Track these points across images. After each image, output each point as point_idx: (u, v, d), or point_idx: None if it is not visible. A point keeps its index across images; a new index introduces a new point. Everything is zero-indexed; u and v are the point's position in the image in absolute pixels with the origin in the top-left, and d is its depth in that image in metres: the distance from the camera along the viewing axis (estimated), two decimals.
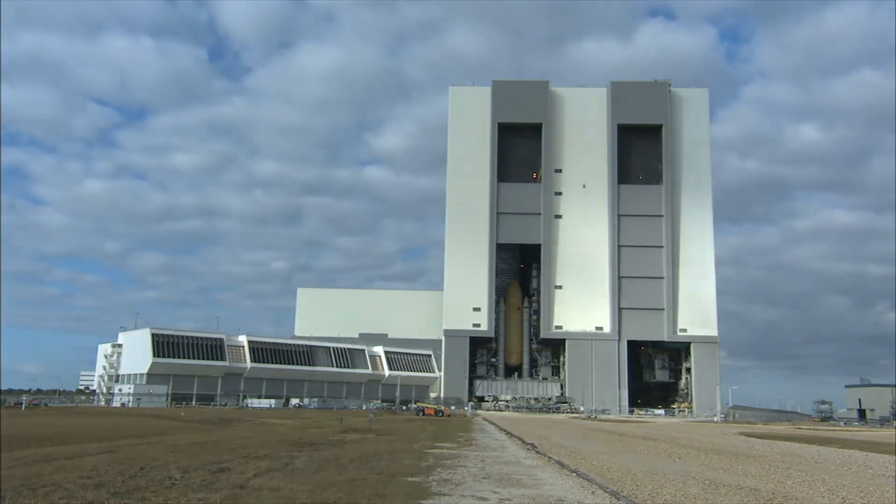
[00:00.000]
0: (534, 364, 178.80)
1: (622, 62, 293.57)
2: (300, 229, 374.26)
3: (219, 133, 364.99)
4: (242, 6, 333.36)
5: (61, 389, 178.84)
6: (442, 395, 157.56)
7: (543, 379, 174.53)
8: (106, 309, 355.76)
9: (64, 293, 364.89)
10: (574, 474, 22.95)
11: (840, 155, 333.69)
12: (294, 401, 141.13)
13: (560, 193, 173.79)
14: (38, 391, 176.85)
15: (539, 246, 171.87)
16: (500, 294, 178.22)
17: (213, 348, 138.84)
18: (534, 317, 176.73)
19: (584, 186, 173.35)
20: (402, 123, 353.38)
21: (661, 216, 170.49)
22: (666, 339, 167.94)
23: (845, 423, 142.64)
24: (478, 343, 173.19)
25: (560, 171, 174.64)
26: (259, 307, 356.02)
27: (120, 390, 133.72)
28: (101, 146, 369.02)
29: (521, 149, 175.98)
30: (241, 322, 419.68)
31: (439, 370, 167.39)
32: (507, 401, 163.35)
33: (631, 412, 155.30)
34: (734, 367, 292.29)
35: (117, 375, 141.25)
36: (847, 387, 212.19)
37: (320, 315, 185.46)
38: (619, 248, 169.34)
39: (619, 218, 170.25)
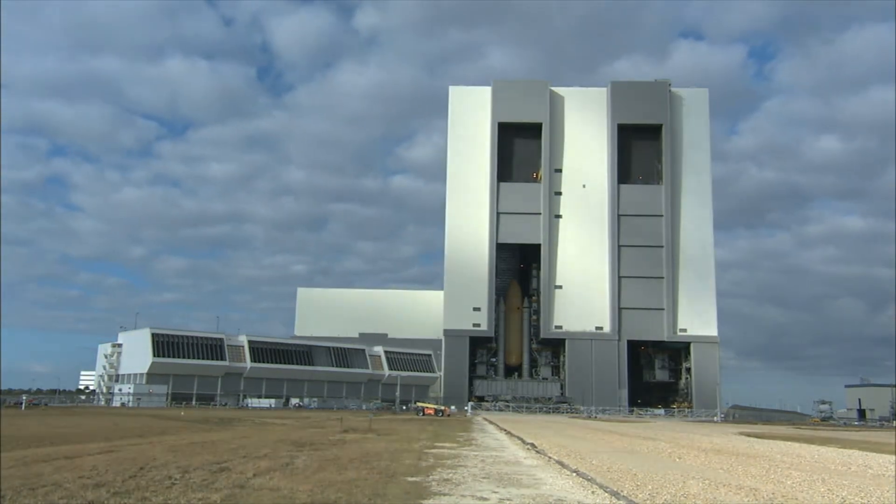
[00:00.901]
0: (534, 364, 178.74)
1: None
2: (323, 234, 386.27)
3: (255, 144, 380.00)
4: (295, 29, 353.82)
5: (61, 389, 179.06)
6: (442, 395, 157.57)
7: (543, 379, 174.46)
8: (118, 310, 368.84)
9: (83, 295, 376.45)
10: (574, 474, 22.96)
11: (857, 165, 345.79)
12: (294, 401, 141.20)
13: (560, 193, 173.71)
14: (38, 391, 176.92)
15: (539, 246, 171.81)
16: (500, 294, 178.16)
17: (213, 348, 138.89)
18: (534, 317, 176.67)
19: (584, 186, 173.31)
20: (433, 135, 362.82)
21: (661, 216, 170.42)
22: (666, 339, 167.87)
23: (845, 423, 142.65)
24: (478, 343, 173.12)
25: (560, 171, 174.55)
26: (275, 308, 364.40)
27: (120, 390, 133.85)
28: (140, 156, 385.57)
29: (521, 149, 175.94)
30: (254, 323, 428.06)
31: (439, 370, 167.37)
32: (507, 401, 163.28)
33: (631, 412, 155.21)
34: (740, 367, 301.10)
35: (117, 375, 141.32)
36: (847, 387, 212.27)
37: (320, 315, 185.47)
38: (619, 248, 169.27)
39: (619, 218, 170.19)
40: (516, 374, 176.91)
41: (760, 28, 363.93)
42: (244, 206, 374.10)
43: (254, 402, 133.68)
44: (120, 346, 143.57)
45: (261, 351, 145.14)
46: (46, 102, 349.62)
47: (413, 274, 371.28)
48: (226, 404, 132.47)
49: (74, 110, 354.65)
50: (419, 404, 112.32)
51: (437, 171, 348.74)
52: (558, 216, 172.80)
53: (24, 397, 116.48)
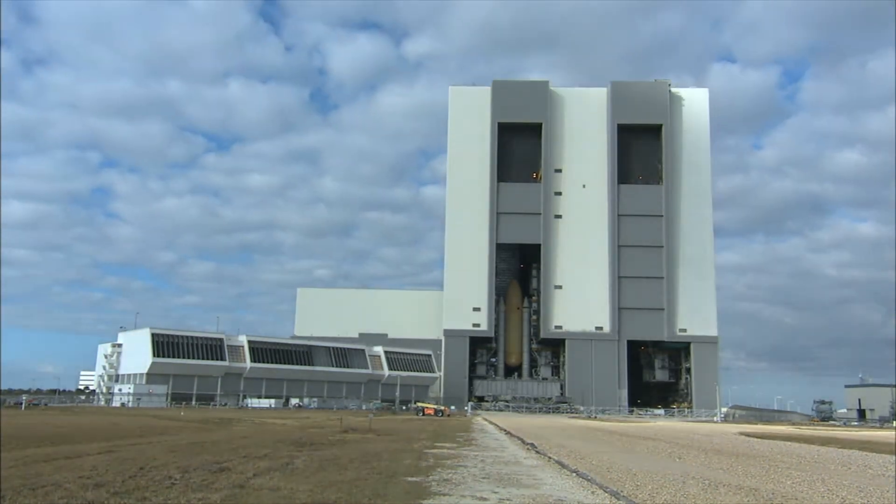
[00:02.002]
0: (534, 364, 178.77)
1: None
2: (351, 241, 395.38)
3: (297, 158, 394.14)
4: (350, 54, 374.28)
5: (61, 389, 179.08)
6: (442, 395, 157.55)
7: (543, 379, 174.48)
8: (134, 313, 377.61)
9: (106, 297, 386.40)
10: (574, 474, 22.96)
11: (877, 176, 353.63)
12: (294, 401, 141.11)
13: (560, 193, 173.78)
14: (38, 391, 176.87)
15: (539, 246, 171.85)
16: (500, 294, 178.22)
17: (213, 348, 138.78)
18: (534, 317, 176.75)
19: (584, 186, 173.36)
20: None
21: (661, 216, 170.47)
22: (666, 339, 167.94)
23: (845, 423, 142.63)
24: (478, 343, 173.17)
25: (560, 171, 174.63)
26: (290, 310, 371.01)
27: (120, 390, 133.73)
28: (185, 168, 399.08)
29: (521, 149, 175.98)
30: (270, 324, 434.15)
31: (439, 370, 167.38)
32: (506, 401, 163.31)
33: (631, 412, 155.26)
34: (748, 368, 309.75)
35: (117, 375, 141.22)
36: (847, 387, 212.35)
37: (320, 315, 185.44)
38: (618, 248, 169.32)
39: (618, 218, 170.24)
40: (516, 374, 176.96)
41: (788, 53, 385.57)
42: (278, 214, 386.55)
43: (254, 402, 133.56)
44: (120, 346, 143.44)
45: (261, 351, 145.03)
46: (109, 121, 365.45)
47: (433, 277, 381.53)
48: (226, 404, 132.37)
49: (133, 128, 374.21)
50: (419, 404, 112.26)
51: None
52: (558, 216, 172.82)
53: (24, 397, 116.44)
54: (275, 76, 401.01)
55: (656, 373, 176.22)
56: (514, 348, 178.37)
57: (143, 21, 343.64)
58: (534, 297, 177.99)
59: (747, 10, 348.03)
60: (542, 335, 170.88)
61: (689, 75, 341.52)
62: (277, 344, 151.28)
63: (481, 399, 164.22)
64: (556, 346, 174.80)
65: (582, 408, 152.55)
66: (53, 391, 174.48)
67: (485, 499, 17.22)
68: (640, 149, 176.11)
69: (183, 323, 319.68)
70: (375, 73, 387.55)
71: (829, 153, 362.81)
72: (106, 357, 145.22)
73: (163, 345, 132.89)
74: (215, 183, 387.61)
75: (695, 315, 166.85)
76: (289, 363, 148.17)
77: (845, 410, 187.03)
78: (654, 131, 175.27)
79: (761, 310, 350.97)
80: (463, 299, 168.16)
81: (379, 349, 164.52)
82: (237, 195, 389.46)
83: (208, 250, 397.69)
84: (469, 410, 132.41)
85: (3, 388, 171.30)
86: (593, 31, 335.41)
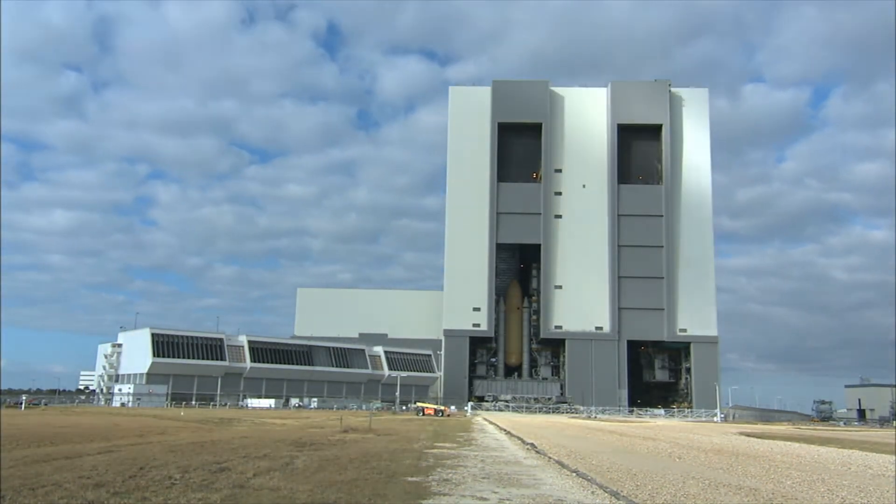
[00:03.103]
0: (534, 364, 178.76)
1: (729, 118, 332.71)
2: (375, 246, 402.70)
3: (334, 170, 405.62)
4: (400, 78, 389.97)
5: (61, 389, 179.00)
6: (442, 395, 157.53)
7: (543, 379, 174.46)
8: (153, 315, 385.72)
9: (127, 300, 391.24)
10: (574, 474, 22.96)
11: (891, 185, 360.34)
12: (294, 401, 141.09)
13: (560, 193, 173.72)
14: (38, 391, 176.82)
15: (539, 246, 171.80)
16: (500, 294, 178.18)
17: (213, 348, 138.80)
18: (534, 317, 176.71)
19: (583, 186, 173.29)
20: None
21: (661, 216, 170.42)
22: (666, 339, 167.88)
23: (845, 423, 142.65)
24: (478, 343, 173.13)
25: (560, 171, 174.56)
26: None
27: (120, 390, 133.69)
28: (224, 178, 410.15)
29: (521, 149, 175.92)
30: (284, 325, 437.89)
31: (439, 370, 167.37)
32: (506, 401, 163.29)
33: (631, 412, 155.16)
34: (754, 369, 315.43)
35: (117, 375, 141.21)
36: (847, 387, 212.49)
37: (320, 315, 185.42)
38: (618, 248, 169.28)
39: (618, 218, 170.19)
40: (516, 374, 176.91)
41: (815, 75, 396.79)
42: (310, 222, 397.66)
43: (253, 402, 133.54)
44: (120, 346, 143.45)
45: (260, 351, 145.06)
46: (162, 137, 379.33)
47: None
48: (226, 404, 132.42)
49: (185, 143, 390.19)
50: (419, 404, 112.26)
51: None
52: (558, 216, 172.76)
53: (24, 397, 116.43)
54: (325, 97, 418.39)
55: (656, 373, 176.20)
56: (514, 348, 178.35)
57: (213, 49, 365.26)
58: (534, 297, 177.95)
59: (779, 37, 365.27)
60: (542, 335, 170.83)
61: (723, 98, 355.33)
62: (277, 344, 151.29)
63: (481, 399, 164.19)
64: (556, 346, 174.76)
65: (582, 408, 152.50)
66: (53, 391, 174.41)
67: (485, 499, 17.22)
68: (640, 149, 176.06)
69: (199, 324, 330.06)
70: (418, 94, 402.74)
71: (849, 166, 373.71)
72: (106, 357, 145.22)
73: (163, 345, 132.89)
74: (253, 192, 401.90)
75: (695, 315, 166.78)
76: (289, 363, 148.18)
77: (845, 410, 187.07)
78: (654, 131, 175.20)
79: (771, 312, 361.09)
80: (463, 299, 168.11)
81: (379, 349, 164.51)
82: (272, 203, 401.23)
83: (236, 255, 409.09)
84: (469, 410, 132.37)
85: (3, 387, 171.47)
86: (634, 58, 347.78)
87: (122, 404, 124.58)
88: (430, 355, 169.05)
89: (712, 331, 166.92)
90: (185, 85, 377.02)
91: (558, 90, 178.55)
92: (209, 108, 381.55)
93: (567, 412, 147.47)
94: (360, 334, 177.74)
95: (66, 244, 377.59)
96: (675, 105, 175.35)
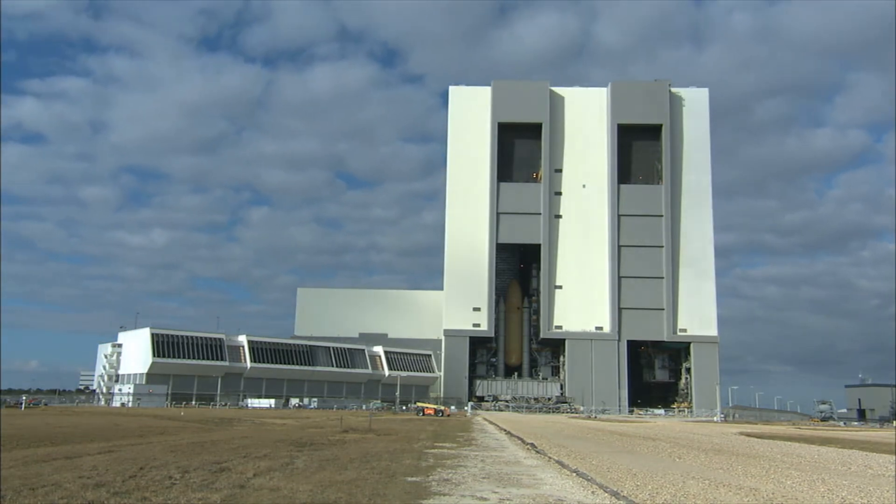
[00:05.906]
0: (534, 364, 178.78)
1: None
2: (431, 259, 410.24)
3: (418, 196, 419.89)
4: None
5: (61, 389, 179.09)
6: (442, 395, 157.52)
7: (543, 379, 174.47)
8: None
9: (175, 306, 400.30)
10: (574, 474, 22.95)
11: None
12: (294, 401, 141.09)
13: (560, 193, 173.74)
14: (38, 391, 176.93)
15: (539, 246, 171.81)
16: (500, 294, 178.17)
17: (213, 348, 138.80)
18: (534, 317, 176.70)
19: (584, 186, 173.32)
20: None
21: (661, 216, 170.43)
22: (666, 339, 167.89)
23: (845, 423, 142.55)
24: (478, 343, 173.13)
25: (560, 171, 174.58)
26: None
27: (120, 390, 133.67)
28: (315, 202, 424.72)
29: (521, 149, 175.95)
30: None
31: (439, 370, 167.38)
32: (507, 401, 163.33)
33: (631, 412, 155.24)
34: (764, 371, 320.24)
35: (117, 375, 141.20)
36: (847, 387, 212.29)
37: (320, 315, 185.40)
38: (619, 248, 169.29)
39: (619, 218, 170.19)
40: (516, 374, 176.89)
41: (874, 119, 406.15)
42: (380, 239, 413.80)
43: (254, 402, 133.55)
44: (120, 346, 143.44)
45: (260, 351, 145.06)
46: (275, 170, 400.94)
47: None
48: (226, 404, 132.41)
49: (297, 175, 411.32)
50: (419, 404, 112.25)
51: None
52: (558, 216, 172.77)
53: (24, 397, 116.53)
54: (431, 138, 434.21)
55: (656, 373, 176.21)
56: (514, 348, 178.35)
57: (346, 102, 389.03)
58: (534, 297, 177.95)
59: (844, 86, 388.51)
60: (542, 335, 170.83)
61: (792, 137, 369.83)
62: (277, 344, 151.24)
63: (481, 399, 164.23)
64: (556, 346, 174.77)
65: (582, 407, 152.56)
66: (53, 391, 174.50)
67: (485, 499, 17.21)
68: (640, 149, 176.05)
69: (245, 325, 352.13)
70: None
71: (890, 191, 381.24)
72: (106, 357, 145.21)
73: (163, 345, 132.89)
74: (338, 214, 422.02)
75: (695, 315, 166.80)
76: (289, 363, 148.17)
77: (845, 410, 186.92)
78: (654, 131, 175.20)
79: (793, 317, 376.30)
80: (463, 299, 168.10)
81: (379, 349, 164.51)
82: (351, 224, 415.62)
83: (300, 268, 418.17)
84: (469, 410, 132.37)
85: (3, 387, 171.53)
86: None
87: (122, 404, 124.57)
88: (430, 355, 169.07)
89: (712, 331, 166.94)
90: (314, 131, 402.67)
91: (558, 90, 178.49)
92: (327, 148, 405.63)
93: (567, 412, 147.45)
94: (360, 334, 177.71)
95: (143, 257, 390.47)
96: (675, 105, 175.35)
